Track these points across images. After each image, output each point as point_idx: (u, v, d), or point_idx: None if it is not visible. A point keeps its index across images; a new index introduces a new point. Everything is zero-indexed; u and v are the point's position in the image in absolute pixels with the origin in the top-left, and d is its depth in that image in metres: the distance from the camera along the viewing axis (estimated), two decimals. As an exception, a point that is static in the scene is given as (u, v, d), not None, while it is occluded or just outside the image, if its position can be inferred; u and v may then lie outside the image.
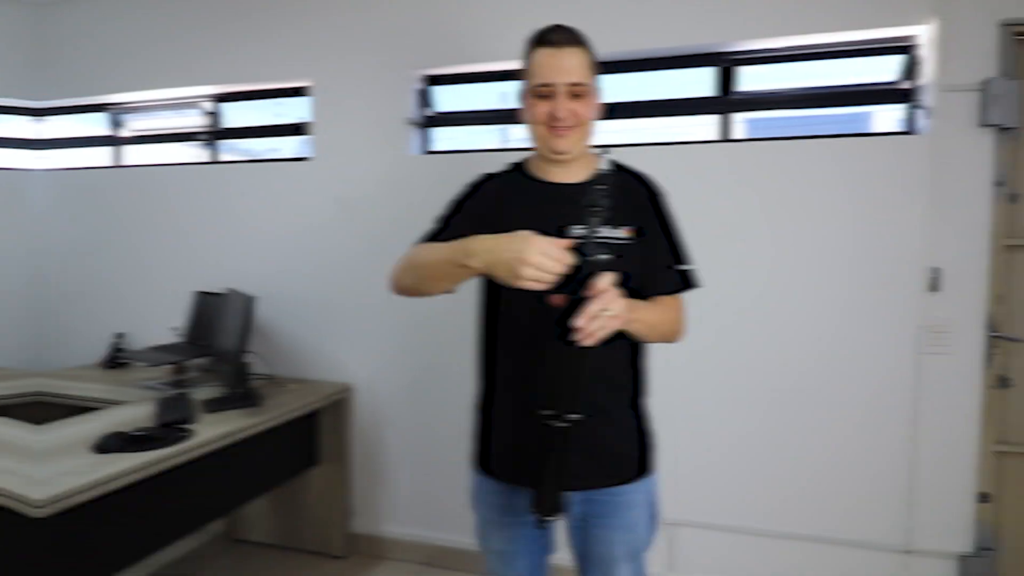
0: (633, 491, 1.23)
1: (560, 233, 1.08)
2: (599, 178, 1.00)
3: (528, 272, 0.94)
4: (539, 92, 1.17)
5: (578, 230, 1.08)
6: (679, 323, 1.25)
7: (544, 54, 1.16)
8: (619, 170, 1.28)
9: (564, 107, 1.15)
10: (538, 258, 0.93)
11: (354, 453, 2.54)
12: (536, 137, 1.21)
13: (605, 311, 0.95)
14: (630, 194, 1.23)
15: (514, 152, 2.23)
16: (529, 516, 1.17)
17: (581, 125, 1.19)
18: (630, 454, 1.24)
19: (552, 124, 1.17)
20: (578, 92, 1.16)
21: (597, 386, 1.13)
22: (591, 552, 1.24)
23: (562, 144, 1.18)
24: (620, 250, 1.16)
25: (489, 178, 1.31)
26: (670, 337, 1.23)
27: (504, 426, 1.24)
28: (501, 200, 1.24)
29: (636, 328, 1.10)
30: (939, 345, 1.94)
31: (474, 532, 1.35)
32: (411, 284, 1.20)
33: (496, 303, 1.24)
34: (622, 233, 1.18)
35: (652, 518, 1.29)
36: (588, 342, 0.96)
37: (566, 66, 1.15)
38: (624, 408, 1.24)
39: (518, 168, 1.31)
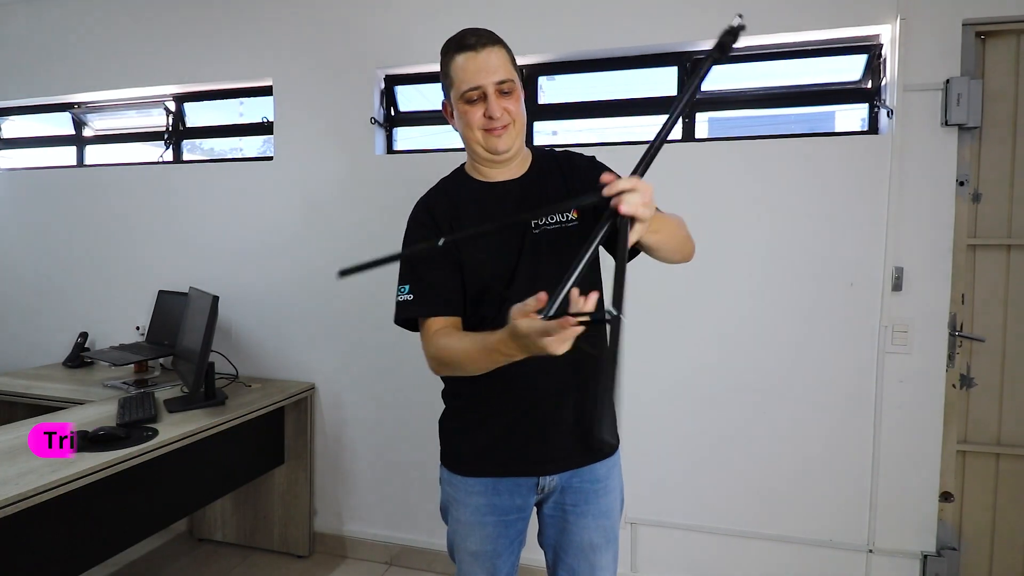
0: (607, 477, 1.26)
1: (514, 226, 1.16)
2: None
3: (551, 350, 0.87)
4: (468, 97, 1.15)
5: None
6: (688, 235, 1.21)
7: (465, 58, 1.14)
8: (547, 157, 1.30)
9: (497, 106, 1.15)
10: (542, 342, 0.86)
11: (317, 452, 2.54)
12: (473, 142, 1.20)
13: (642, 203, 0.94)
14: (567, 175, 1.24)
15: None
16: (512, 515, 1.23)
17: (515, 122, 1.18)
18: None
19: (488, 127, 1.16)
20: (506, 89, 1.16)
21: (579, 367, 1.16)
22: (571, 542, 1.25)
23: (502, 143, 1.18)
24: (571, 232, 1.19)
25: (430, 202, 1.26)
26: (687, 247, 1.20)
27: (495, 418, 1.21)
28: (453, 215, 1.22)
29: (656, 235, 1.06)
30: (902, 344, 1.94)
31: (446, 538, 1.32)
32: (455, 374, 1.18)
33: (483, 306, 1.19)
34: (571, 215, 1.19)
35: (622, 503, 1.33)
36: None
37: (491, 66, 1.14)
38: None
39: (456, 178, 1.29)
